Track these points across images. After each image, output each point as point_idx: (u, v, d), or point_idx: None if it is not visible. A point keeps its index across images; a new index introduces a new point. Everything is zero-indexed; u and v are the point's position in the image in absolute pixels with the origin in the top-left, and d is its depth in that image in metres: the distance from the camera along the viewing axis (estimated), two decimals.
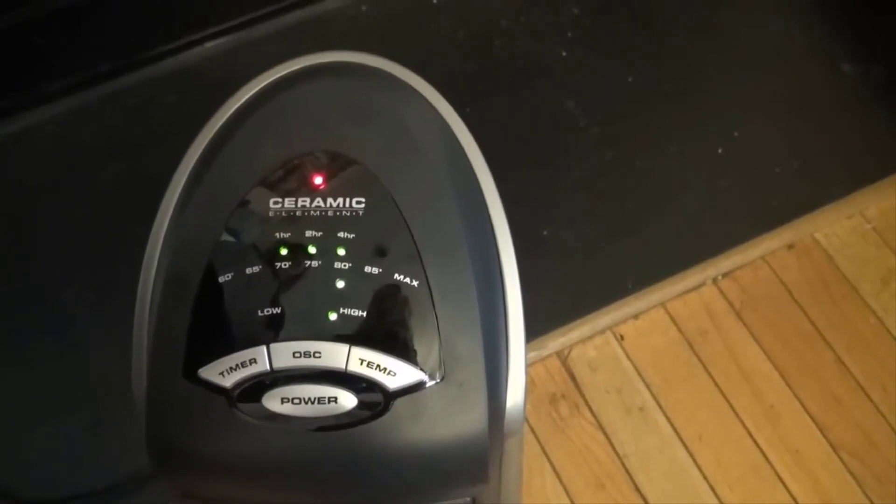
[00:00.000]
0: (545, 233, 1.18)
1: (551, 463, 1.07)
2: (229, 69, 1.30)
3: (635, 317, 1.15)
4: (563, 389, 1.11)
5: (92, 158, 1.24)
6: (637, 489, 1.06)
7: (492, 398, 0.48)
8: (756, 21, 1.35)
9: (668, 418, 1.09)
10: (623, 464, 1.07)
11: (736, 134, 1.25)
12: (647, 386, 1.11)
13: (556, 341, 1.13)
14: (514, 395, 0.50)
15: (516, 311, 0.51)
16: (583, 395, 1.11)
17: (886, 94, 1.27)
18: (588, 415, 1.10)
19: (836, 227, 1.21)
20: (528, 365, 0.99)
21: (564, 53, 1.32)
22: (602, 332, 1.14)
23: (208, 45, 1.34)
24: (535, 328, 1.12)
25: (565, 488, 1.06)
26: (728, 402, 1.10)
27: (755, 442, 1.08)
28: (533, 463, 1.07)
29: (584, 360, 1.13)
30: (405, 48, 1.22)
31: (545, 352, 1.13)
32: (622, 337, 1.14)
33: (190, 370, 0.47)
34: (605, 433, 1.09)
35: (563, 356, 1.13)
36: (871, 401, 1.10)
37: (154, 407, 0.49)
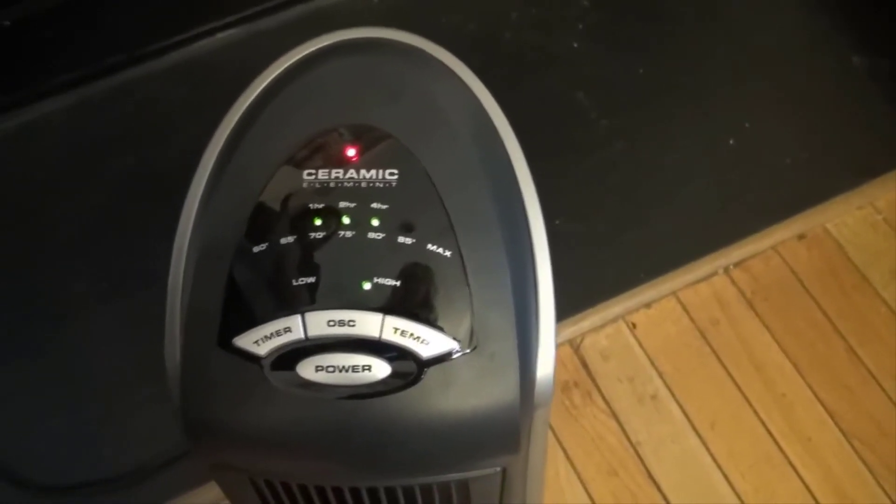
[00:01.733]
0: (557, 223, 1.18)
1: (564, 450, 1.07)
2: (237, 61, 1.30)
3: (647, 306, 1.16)
4: (575, 378, 1.12)
5: (100, 150, 1.25)
6: (650, 476, 1.06)
7: (523, 369, 0.49)
8: (766, 13, 1.36)
9: (680, 406, 1.10)
10: (636, 451, 1.08)
11: (747, 125, 1.26)
12: (660, 374, 1.12)
13: (569, 330, 1.14)
14: (545, 366, 0.51)
15: (547, 284, 0.51)
16: (595, 384, 1.11)
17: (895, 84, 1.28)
18: (601, 403, 1.10)
19: (846, 218, 1.21)
20: None
21: (575, 45, 1.33)
22: (614, 320, 1.15)
23: (216, 37, 1.34)
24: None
25: (578, 475, 1.06)
26: (740, 390, 1.10)
27: (767, 430, 1.08)
28: None
29: (597, 349, 1.13)
30: None
31: (558, 340, 1.13)
32: (634, 325, 1.15)
33: (225, 339, 0.48)
34: (617, 421, 1.09)
35: (575, 344, 1.13)
36: (883, 390, 1.10)
37: (188, 376, 0.49)
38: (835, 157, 1.24)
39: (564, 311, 1.14)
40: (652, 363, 1.13)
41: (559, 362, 1.12)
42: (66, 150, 1.24)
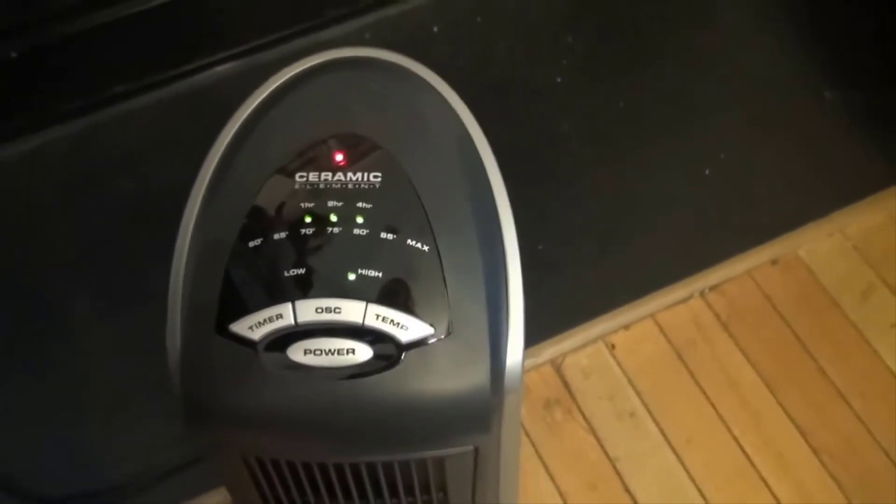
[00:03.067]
0: (540, 247, 1.23)
1: (545, 465, 1.11)
2: (237, 92, 1.35)
3: (626, 327, 1.20)
4: (557, 395, 1.16)
5: (105, 175, 1.30)
6: (628, 490, 1.10)
7: (493, 356, 0.54)
8: (742, 50, 1.42)
9: (657, 423, 1.14)
10: (614, 466, 1.12)
11: (722, 156, 1.31)
12: (638, 393, 1.16)
13: (551, 349, 1.18)
14: (514, 354, 0.55)
15: (516, 278, 0.56)
16: (576, 401, 1.16)
17: (865, 119, 1.34)
18: (581, 419, 1.14)
19: (818, 244, 1.26)
20: (524, 371, 1.04)
21: (559, 80, 1.38)
22: (594, 341, 1.19)
23: (218, 69, 1.39)
24: (531, 337, 1.16)
25: (558, 489, 1.10)
26: (715, 408, 1.15)
27: (741, 446, 1.13)
28: (527, 465, 1.11)
29: (578, 368, 1.18)
30: None
31: (540, 359, 1.18)
32: (614, 346, 1.19)
33: (222, 326, 0.53)
34: (597, 437, 1.13)
35: (557, 364, 1.18)
36: (852, 408, 1.15)
37: (188, 360, 0.54)
38: (807, 187, 1.29)
39: (547, 331, 1.19)
40: (630, 382, 1.17)
41: (541, 380, 1.17)
42: (71, 174, 1.29)
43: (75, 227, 1.25)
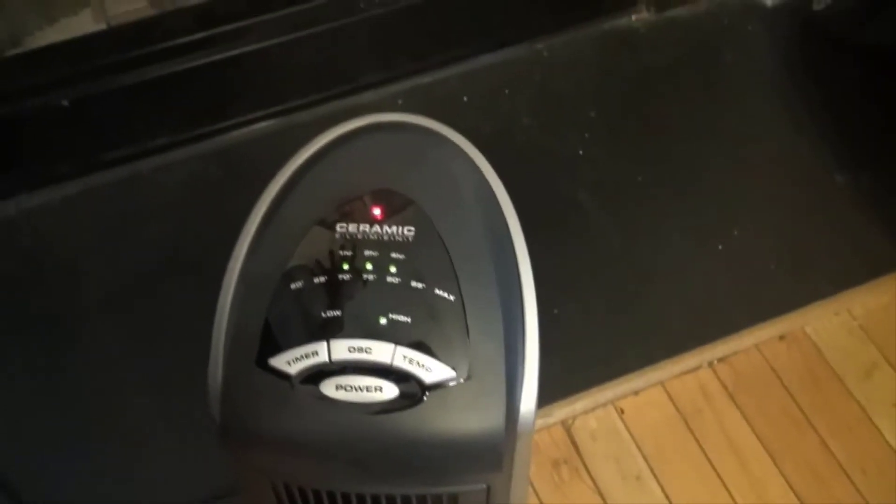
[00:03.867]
0: (556, 311, 1.27)
1: None
2: (272, 150, 1.40)
3: (635, 393, 1.24)
4: (565, 455, 1.20)
5: (143, 223, 1.36)
6: None
7: (509, 400, 0.58)
8: (757, 132, 1.47)
9: (661, 487, 1.17)
10: None
11: (735, 232, 1.36)
12: (644, 457, 1.20)
13: (562, 411, 1.22)
14: (528, 400, 0.60)
15: (533, 329, 0.61)
16: (583, 462, 1.19)
17: (874, 202, 1.39)
18: (588, 479, 1.18)
19: (824, 322, 1.30)
20: (535, 430, 1.08)
21: (581, 152, 1.44)
22: (604, 405, 1.23)
23: (255, 126, 1.46)
24: (543, 398, 1.19)
25: None
26: (718, 475, 1.18)
27: None
28: None
29: (587, 430, 1.21)
30: None
31: (551, 420, 1.22)
32: (622, 411, 1.23)
33: (262, 360, 0.58)
34: (602, 497, 1.17)
35: (567, 425, 1.22)
36: (852, 482, 1.18)
37: (229, 389, 0.59)
38: (815, 266, 1.33)
39: (558, 393, 1.22)
40: (637, 446, 1.21)
41: (551, 440, 1.20)
42: (111, 219, 1.35)
43: (112, 270, 1.30)
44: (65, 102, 1.32)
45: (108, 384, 1.21)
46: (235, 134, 1.45)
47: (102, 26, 1.36)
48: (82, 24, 1.36)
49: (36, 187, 1.37)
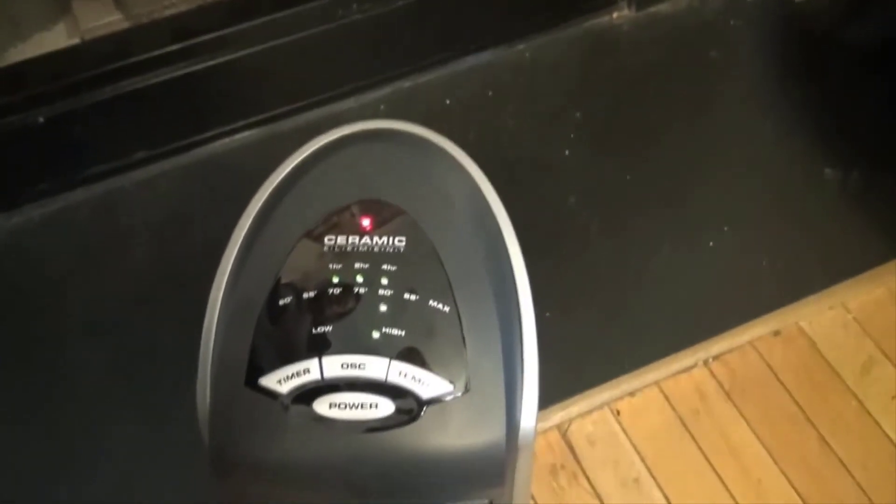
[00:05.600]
0: (548, 315, 1.25)
1: None
2: (254, 160, 1.39)
3: (631, 394, 1.23)
4: (562, 460, 1.18)
5: (124, 239, 1.33)
6: None
7: (509, 413, 0.56)
8: (746, 129, 1.46)
9: (661, 489, 1.16)
10: None
11: (726, 229, 1.34)
12: (642, 459, 1.18)
13: (557, 415, 1.20)
14: (528, 413, 0.58)
15: (531, 340, 0.59)
16: (581, 467, 1.17)
17: (865, 196, 1.37)
18: (586, 484, 1.16)
19: (819, 317, 1.29)
20: None
21: (567, 153, 1.42)
22: (600, 407, 1.22)
23: (236, 136, 1.44)
24: (538, 403, 1.19)
25: None
26: (718, 475, 1.17)
27: None
28: None
29: (583, 434, 1.20)
30: None
31: (546, 424, 1.20)
32: (619, 413, 1.21)
33: (252, 379, 0.55)
34: (601, 502, 1.15)
35: (563, 429, 1.20)
36: (853, 478, 1.16)
37: (217, 411, 0.56)
38: (808, 261, 1.32)
39: (553, 397, 1.21)
40: (635, 448, 1.19)
41: (547, 445, 1.19)
42: (91, 236, 1.33)
43: (93, 289, 1.28)
44: (41, 119, 1.29)
45: (90, 407, 1.18)
46: (216, 145, 1.42)
47: (76, 41, 1.33)
48: (56, 38, 1.34)
49: (14, 206, 1.34)
